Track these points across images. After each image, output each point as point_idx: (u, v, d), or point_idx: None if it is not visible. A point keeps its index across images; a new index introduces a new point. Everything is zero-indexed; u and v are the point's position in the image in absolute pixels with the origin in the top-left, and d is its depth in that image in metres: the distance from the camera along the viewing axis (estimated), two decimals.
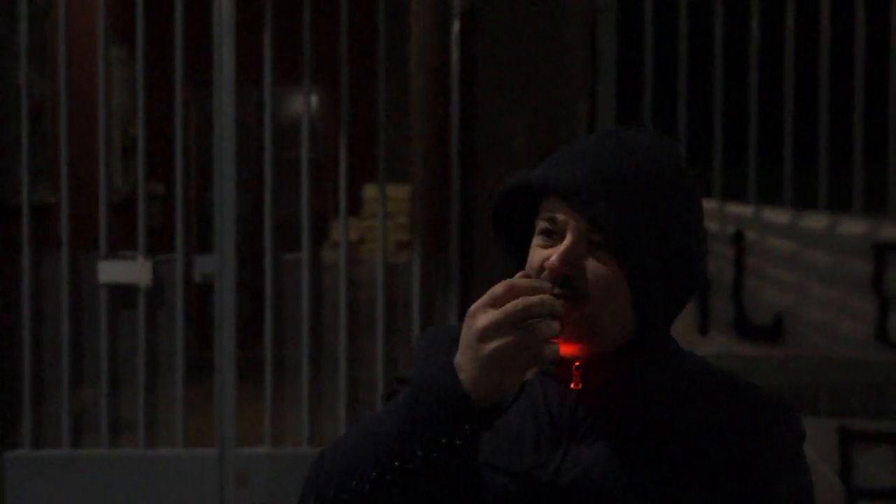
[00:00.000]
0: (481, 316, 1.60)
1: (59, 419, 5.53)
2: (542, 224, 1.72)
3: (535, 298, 1.59)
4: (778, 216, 5.12)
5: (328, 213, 9.19)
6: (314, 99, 10.54)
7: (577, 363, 1.73)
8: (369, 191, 8.55)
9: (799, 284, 4.94)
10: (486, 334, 1.59)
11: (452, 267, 5.59)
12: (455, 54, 5.59)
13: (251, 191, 7.22)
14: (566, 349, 1.69)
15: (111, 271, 5.50)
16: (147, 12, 5.54)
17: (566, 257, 1.68)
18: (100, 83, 5.50)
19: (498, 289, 1.61)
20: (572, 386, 1.74)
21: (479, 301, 1.62)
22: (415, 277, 5.65)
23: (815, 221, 5.08)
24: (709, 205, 5.23)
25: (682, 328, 5.18)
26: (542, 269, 1.70)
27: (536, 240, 1.74)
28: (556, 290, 1.66)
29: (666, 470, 1.68)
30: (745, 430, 1.70)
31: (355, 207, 8.12)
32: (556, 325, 1.60)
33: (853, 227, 5.01)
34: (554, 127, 5.43)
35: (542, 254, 1.72)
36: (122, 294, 5.58)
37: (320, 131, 9.55)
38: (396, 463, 1.62)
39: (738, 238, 5.10)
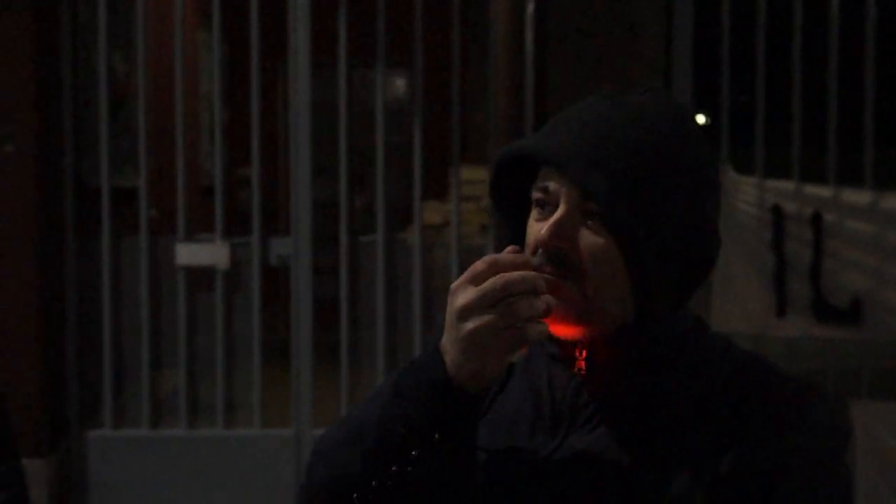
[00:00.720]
0: (460, 294, 1.50)
1: (139, 400, 5.61)
2: (536, 195, 1.61)
3: (516, 275, 1.48)
4: (857, 197, 5.03)
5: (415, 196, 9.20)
6: (401, 83, 10.58)
7: (579, 347, 1.61)
8: (462, 174, 8.55)
9: (877, 267, 4.85)
10: (464, 314, 1.48)
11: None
12: (529, 35, 5.56)
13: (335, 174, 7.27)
14: (564, 330, 1.58)
15: (189, 254, 5.56)
16: None
17: (557, 229, 1.56)
18: (177, 67, 5.55)
19: (479, 265, 1.51)
20: (575, 370, 1.63)
21: (460, 278, 1.51)
22: None
23: (895, 202, 4.99)
24: (787, 185, 5.16)
25: (760, 310, 5.12)
26: (536, 245, 1.58)
27: (532, 214, 1.63)
28: (547, 266, 1.55)
29: (664, 458, 1.55)
30: (758, 415, 1.55)
31: (442, 190, 8.12)
32: (539, 303, 1.49)
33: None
34: None
35: (536, 228, 1.60)
36: (201, 277, 5.64)
37: (409, 115, 9.57)
38: (381, 447, 1.54)
39: (816, 219, 5.02)
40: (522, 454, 1.62)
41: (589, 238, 1.56)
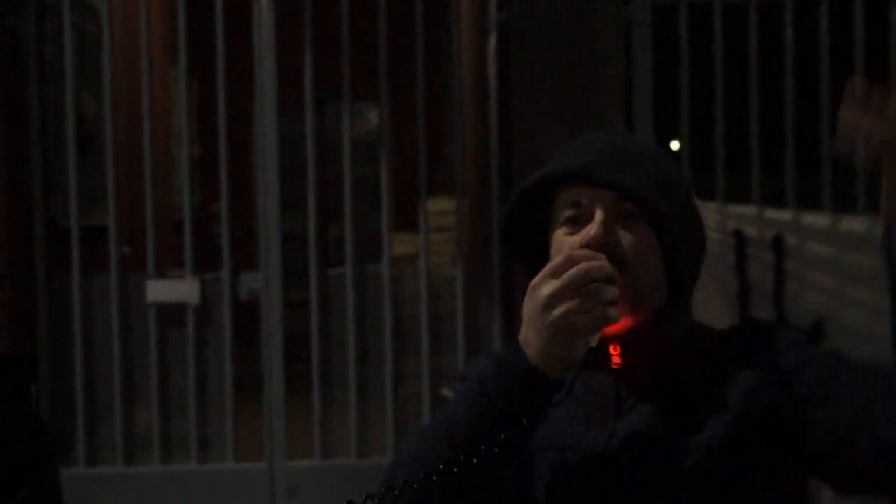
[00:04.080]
0: (544, 286, 1.67)
1: (113, 437, 5.63)
2: (566, 213, 1.79)
3: (595, 263, 1.67)
4: (817, 220, 5.10)
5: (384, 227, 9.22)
6: (369, 115, 10.63)
7: (613, 344, 1.79)
8: (431, 205, 8.61)
9: (839, 288, 4.92)
10: (551, 302, 1.66)
11: (495, 280, 5.64)
12: (492, 69, 5.63)
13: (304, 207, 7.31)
14: (615, 325, 1.74)
15: (160, 290, 5.59)
16: (195, 32, 5.62)
17: (605, 226, 1.75)
18: (144, 103, 5.60)
19: (559, 260, 1.68)
20: (612, 366, 1.80)
21: (540, 274, 1.68)
22: (459, 291, 5.70)
23: (855, 224, 5.06)
24: (748, 210, 5.24)
25: None
26: (587, 245, 1.76)
27: (561, 232, 1.81)
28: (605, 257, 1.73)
29: (711, 428, 1.74)
30: (761, 365, 1.78)
31: (411, 222, 8.17)
32: (613, 289, 1.68)
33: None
34: None
35: (571, 240, 1.78)
36: (172, 313, 5.67)
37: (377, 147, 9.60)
38: (472, 441, 1.67)
39: (777, 242, 5.08)
40: (580, 451, 1.79)
41: (629, 235, 1.77)
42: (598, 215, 1.75)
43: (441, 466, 1.68)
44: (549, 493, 1.78)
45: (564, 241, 1.77)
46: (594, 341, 1.69)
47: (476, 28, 5.98)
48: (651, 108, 5.44)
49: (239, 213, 5.91)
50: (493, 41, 5.64)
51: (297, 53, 5.66)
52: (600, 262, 1.68)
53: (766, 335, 1.82)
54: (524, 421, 1.67)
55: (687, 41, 5.43)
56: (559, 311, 1.65)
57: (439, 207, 7.37)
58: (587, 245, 1.73)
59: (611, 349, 1.79)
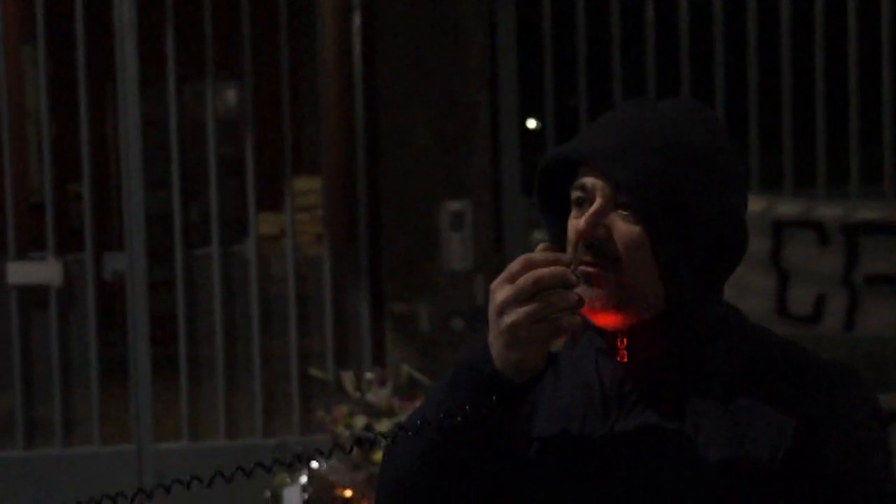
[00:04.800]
0: (499, 292, 1.63)
1: None
2: (574, 195, 1.74)
3: (546, 270, 1.61)
4: None
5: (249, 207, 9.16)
6: (232, 94, 10.54)
7: (620, 336, 1.73)
8: (296, 184, 8.56)
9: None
10: (502, 309, 1.62)
11: (361, 258, 5.64)
12: (357, 46, 5.63)
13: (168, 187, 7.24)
14: (605, 319, 1.71)
15: (21, 272, 5.50)
16: (51, 9, 5.52)
17: (593, 219, 1.69)
18: (2, 82, 5.49)
19: (515, 264, 1.64)
20: (618, 359, 1.75)
21: (499, 277, 1.65)
22: (325, 270, 5.69)
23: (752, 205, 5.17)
24: None
25: None
26: (576, 240, 1.71)
27: (572, 213, 1.75)
28: (587, 256, 1.69)
29: (711, 437, 1.69)
30: (798, 398, 1.69)
31: (277, 201, 8.13)
32: (572, 295, 1.62)
33: (752, 204, 5.09)
34: (455, 117, 5.49)
35: (575, 223, 1.73)
36: (34, 295, 5.58)
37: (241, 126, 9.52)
38: (443, 438, 1.67)
39: None
40: (575, 439, 1.75)
41: (622, 228, 1.69)
42: (593, 206, 1.70)
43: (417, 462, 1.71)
44: (543, 482, 1.75)
45: (571, 224, 1.73)
46: (556, 347, 1.67)
47: (339, 6, 5.97)
48: (516, 86, 5.49)
49: (101, 193, 5.83)
50: (357, 19, 5.64)
51: (158, 30, 5.59)
52: (552, 269, 1.62)
53: (828, 381, 1.72)
54: (486, 414, 1.64)
55: (550, 20, 5.48)
56: (509, 319, 1.62)
57: (304, 187, 7.35)
58: (577, 234, 1.70)
59: (618, 342, 1.74)
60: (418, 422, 1.68)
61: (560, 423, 1.76)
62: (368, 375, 5.03)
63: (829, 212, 4.99)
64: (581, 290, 1.66)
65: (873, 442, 1.71)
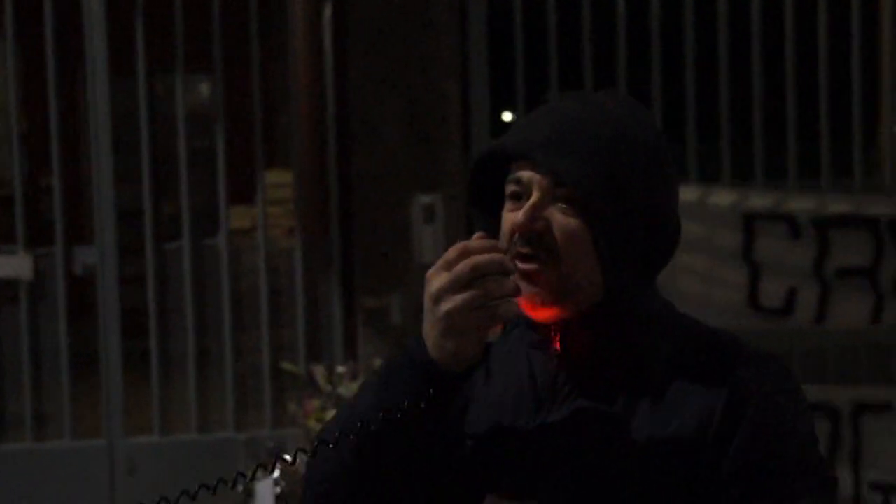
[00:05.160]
0: (434, 280, 1.62)
1: None
2: (509, 188, 1.72)
3: (484, 257, 1.61)
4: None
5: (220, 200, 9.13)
6: (203, 87, 10.50)
7: (553, 329, 1.72)
8: (268, 177, 8.53)
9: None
10: (438, 297, 1.61)
11: (333, 252, 5.63)
12: (328, 38, 5.61)
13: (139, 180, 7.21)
14: (542, 313, 1.69)
15: None
16: (20, 3, 5.48)
17: (532, 212, 1.67)
18: None
19: (451, 252, 1.63)
20: (552, 351, 1.74)
21: (435, 265, 1.64)
22: (297, 263, 5.68)
23: (687, 193, 5.17)
24: None
25: None
26: (512, 232, 1.70)
27: (506, 206, 1.74)
28: (524, 249, 1.67)
29: (643, 421, 1.69)
30: (726, 381, 1.69)
31: (249, 194, 8.11)
32: (509, 282, 1.61)
33: (722, 198, 5.10)
34: (426, 110, 5.49)
35: (511, 217, 1.71)
36: (4, 289, 5.55)
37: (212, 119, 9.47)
38: (373, 427, 1.64)
39: None
40: (509, 433, 1.74)
41: (561, 220, 1.68)
42: (531, 198, 1.69)
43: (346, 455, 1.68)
44: (478, 477, 1.74)
45: (506, 218, 1.72)
46: (493, 336, 1.65)
47: None
48: (487, 78, 5.48)
49: (71, 187, 5.80)
50: (328, 11, 5.62)
51: (128, 23, 5.56)
52: (490, 256, 1.61)
53: (749, 366, 1.72)
54: (422, 407, 1.63)
55: (521, 12, 5.47)
56: (446, 306, 1.60)
57: (276, 180, 7.32)
58: (515, 227, 1.68)
59: (551, 334, 1.74)
60: (347, 427, 1.65)
61: (493, 418, 1.76)
62: (340, 369, 5.02)
63: (800, 205, 5.00)
64: (520, 286, 1.65)
65: (797, 423, 1.72)
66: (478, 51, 5.46)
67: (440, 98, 5.50)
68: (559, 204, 1.68)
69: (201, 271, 5.72)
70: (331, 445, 1.67)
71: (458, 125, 5.59)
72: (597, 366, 1.73)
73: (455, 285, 1.60)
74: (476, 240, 1.65)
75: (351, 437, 1.65)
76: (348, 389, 4.86)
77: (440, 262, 1.63)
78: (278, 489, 4.66)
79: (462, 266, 1.60)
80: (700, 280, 4.94)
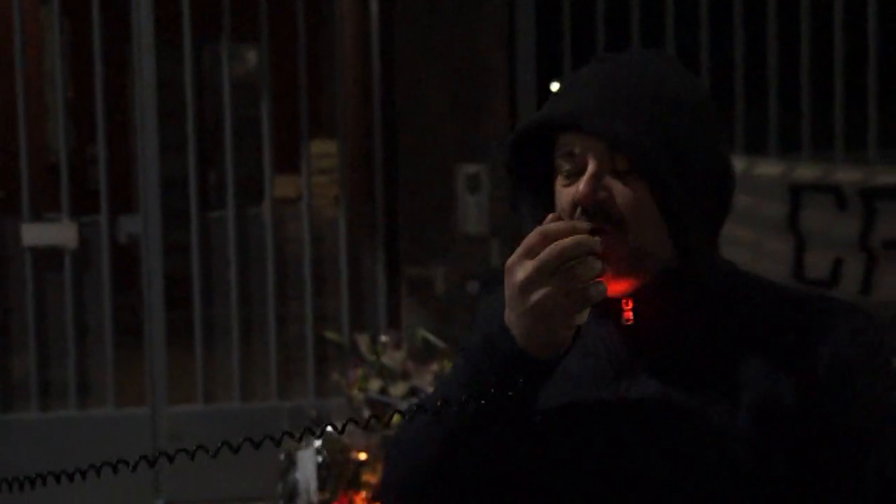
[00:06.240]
0: (518, 270, 1.55)
1: None
2: (561, 163, 1.65)
3: (569, 241, 1.53)
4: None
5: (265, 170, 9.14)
6: (250, 57, 10.50)
7: (624, 298, 1.65)
8: (313, 147, 8.55)
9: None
10: (526, 287, 1.54)
11: (377, 221, 5.62)
12: (374, 9, 5.59)
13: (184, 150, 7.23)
14: (616, 286, 1.62)
15: (36, 234, 5.49)
16: None
17: (594, 183, 1.60)
18: (15, 44, 5.46)
19: (531, 238, 1.55)
20: (624, 322, 1.66)
21: (515, 253, 1.56)
22: (341, 233, 5.68)
23: (770, 169, 5.12)
24: None
25: None
26: (573, 207, 1.62)
27: (559, 181, 1.66)
28: (591, 224, 1.59)
29: (720, 395, 1.62)
30: (804, 340, 1.62)
31: (294, 164, 8.11)
32: (597, 263, 1.55)
33: (769, 168, 5.06)
34: (471, 80, 5.46)
35: (568, 192, 1.64)
36: (49, 257, 5.58)
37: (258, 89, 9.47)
38: (465, 425, 1.60)
39: None
40: (581, 408, 1.68)
41: (623, 189, 1.61)
42: (589, 169, 1.60)
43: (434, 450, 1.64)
44: (554, 455, 1.68)
45: (562, 193, 1.64)
46: (582, 319, 1.57)
47: None
48: (533, 49, 5.45)
49: (117, 156, 5.81)
50: None
51: None
52: (574, 239, 1.53)
53: (833, 322, 1.63)
54: (511, 401, 1.57)
55: None
56: (536, 296, 1.53)
57: (321, 150, 7.32)
58: (579, 201, 1.60)
59: (623, 304, 1.65)
60: (440, 402, 1.60)
61: (569, 391, 1.69)
62: (383, 338, 5.02)
63: (847, 176, 4.95)
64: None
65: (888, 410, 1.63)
66: (524, 20, 5.43)
67: (486, 68, 5.47)
68: (618, 171, 1.61)
69: (245, 240, 5.73)
70: (405, 417, 1.66)
71: (504, 95, 5.56)
72: (671, 334, 1.67)
73: (542, 274, 1.53)
74: (552, 221, 1.58)
75: (430, 413, 1.62)
76: (391, 359, 4.86)
77: (521, 249, 1.56)
78: (320, 458, 4.66)
79: (547, 253, 1.53)
80: (746, 251, 4.89)
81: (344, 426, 1.63)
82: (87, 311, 5.63)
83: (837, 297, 1.71)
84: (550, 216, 1.60)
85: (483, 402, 1.57)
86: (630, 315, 1.66)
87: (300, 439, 1.64)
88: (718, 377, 1.63)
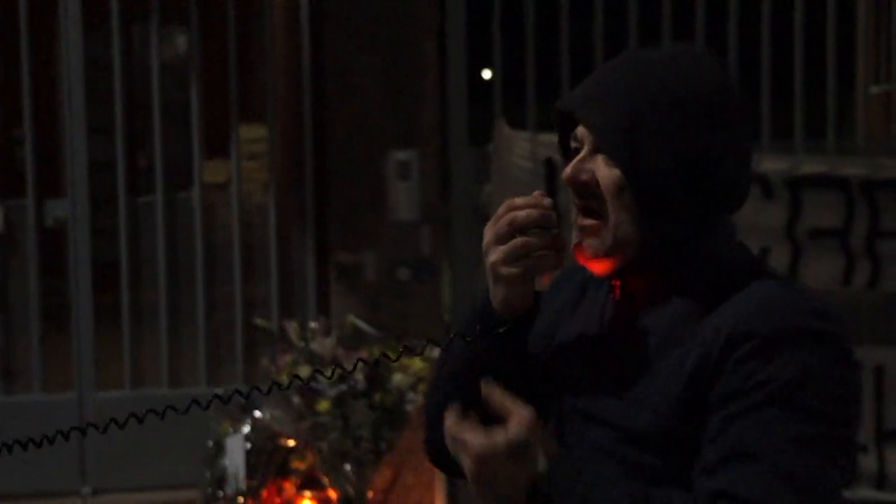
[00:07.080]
0: (486, 233, 1.72)
1: None
2: (572, 144, 1.78)
3: (521, 213, 1.68)
4: None
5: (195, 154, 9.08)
6: (180, 39, 10.42)
7: (614, 277, 1.78)
8: (243, 132, 8.49)
9: None
10: (485, 251, 1.72)
11: (307, 207, 5.61)
12: None
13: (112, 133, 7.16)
14: (598, 265, 1.74)
15: None
16: None
17: (577, 164, 1.73)
18: None
19: (501, 208, 1.71)
20: (612, 299, 1.81)
21: (490, 220, 1.72)
22: (271, 219, 5.66)
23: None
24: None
25: None
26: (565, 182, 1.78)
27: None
28: (577, 201, 1.73)
29: (667, 374, 1.68)
30: (721, 314, 1.67)
31: (224, 149, 8.06)
32: (548, 236, 1.68)
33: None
34: (402, 66, 5.46)
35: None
36: None
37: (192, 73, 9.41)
38: (464, 363, 1.81)
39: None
40: (571, 373, 1.82)
41: (603, 171, 1.72)
42: (581, 152, 1.75)
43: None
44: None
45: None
46: (540, 286, 1.74)
47: None
48: (464, 35, 5.44)
49: (44, 138, 5.76)
50: None
51: None
52: (528, 211, 1.68)
53: (747, 298, 1.68)
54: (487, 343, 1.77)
55: None
56: (490, 258, 1.71)
57: (251, 135, 7.28)
58: (566, 181, 1.74)
59: (612, 282, 1.80)
60: (451, 335, 1.84)
61: (564, 355, 1.84)
62: (313, 325, 5.02)
63: (773, 165, 5.01)
64: (577, 238, 1.73)
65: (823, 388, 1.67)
66: (455, 7, 5.42)
67: (417, 54, 5.47)
68: (602, 155, 1.73)
69: (174, 225, 5.70)
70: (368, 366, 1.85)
71: (435, 82, 5.56)
72: (649, 315, 1.75)
73: (496, 239, 1.70)
74: (532, 196, 1.72)
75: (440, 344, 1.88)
76: (321, 345, 4.86)
77: (493, 217, 1.71)
78: (248, 444, 4.66)
79: (502, 221, 1.69)
80: None
81: (289, 384, 1.83)
82: (13, 295, 5.58)
83: (796, 281, 1.83)
84: (536, 193, 1.74)
85: (467, 339, 1.78)
86: (618, 293, 1.79)
87: (247, 397, 1.74)
88: (653, 360, 1.72)
